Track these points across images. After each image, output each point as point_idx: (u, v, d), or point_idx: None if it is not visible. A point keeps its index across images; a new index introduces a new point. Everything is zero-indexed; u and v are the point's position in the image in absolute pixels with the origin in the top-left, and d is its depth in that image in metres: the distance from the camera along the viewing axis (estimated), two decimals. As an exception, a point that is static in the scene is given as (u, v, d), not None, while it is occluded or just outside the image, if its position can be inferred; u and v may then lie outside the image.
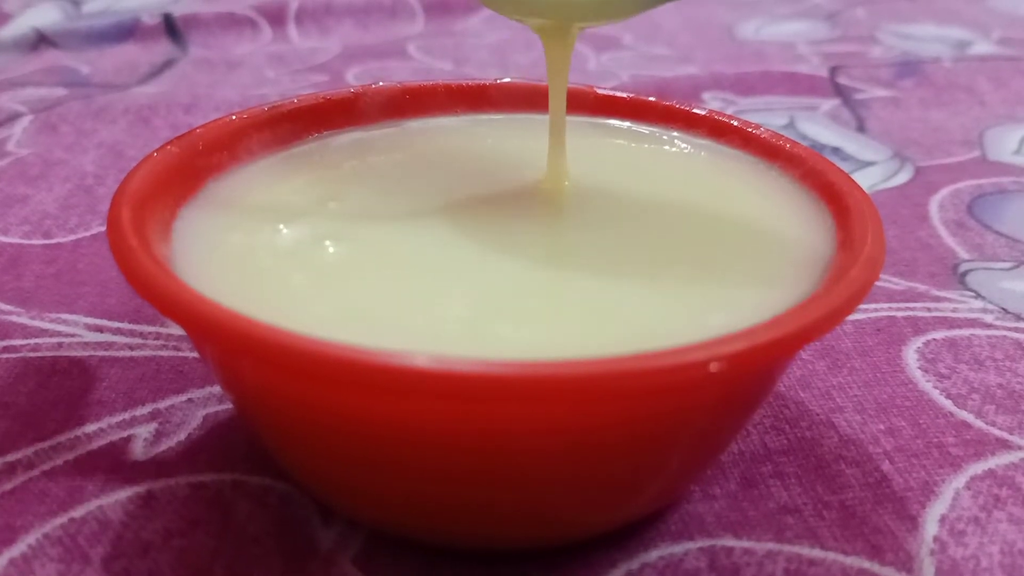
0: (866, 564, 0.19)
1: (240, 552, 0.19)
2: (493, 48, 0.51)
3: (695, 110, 0.24)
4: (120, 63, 0.48)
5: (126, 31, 0.51)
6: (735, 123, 0.24)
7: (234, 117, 0.22)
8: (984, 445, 0.22)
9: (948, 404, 0.23)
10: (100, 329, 0.26)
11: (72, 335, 0.25)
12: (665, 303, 0.18)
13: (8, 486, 0.20)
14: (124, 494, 0.20)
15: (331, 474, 0.18)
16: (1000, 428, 0.23)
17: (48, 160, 0.36)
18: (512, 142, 0.25)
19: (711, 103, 0.43)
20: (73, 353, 0.25)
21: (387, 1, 0.55)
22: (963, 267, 0.30)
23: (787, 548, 0.19)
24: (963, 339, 0.26)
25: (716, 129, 0.24)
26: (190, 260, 0.18)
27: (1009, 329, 0.26)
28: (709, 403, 0.17)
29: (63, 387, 0.23)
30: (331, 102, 0.24)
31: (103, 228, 0.31)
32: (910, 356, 0.25)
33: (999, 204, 0.34)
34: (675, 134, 0.24)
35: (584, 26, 0.21)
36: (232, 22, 0.52)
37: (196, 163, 0.21)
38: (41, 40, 0.50)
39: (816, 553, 0.19)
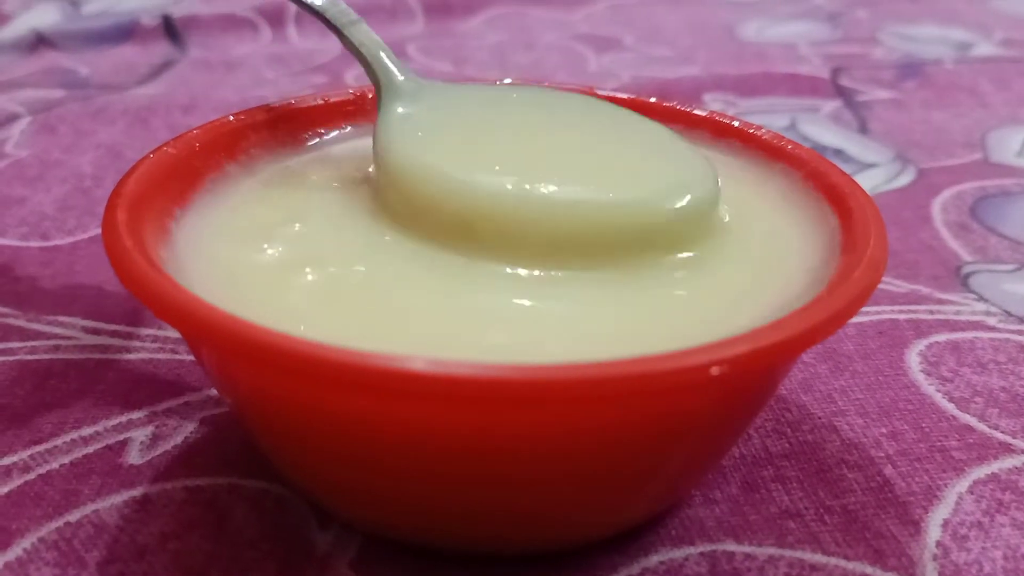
0: (868, 569, 0.19)
1: (236, 556, 0.19)
2: (493, 49, 0.51)
3: (696, 111, 0.24)
4: (119, 64, 0.48)
5: (125, 32, 0.51)
6: (736, 124, 0.24)
7: (231, 118, 0.22)
8: (987, 449, 0.22)
9: (951, 407, 0.23)
10: (97, 332, 0.26)
11: (69, 338, 0.25)
12: (666, 305, 0.18)
13: (4, 489, 0.20)
14: (120, 498, 0.20)
15: (327, 478, 0.18)
16: (1003, 432, 0.22)
17: (46, 161, 0.36)
18: None
19: (712, 104, 0.43)
20: (70, 356, 0.25)
21: (387, 2, 0.55)
22: (966, 269, 0.29)
23: (789, 553, 0.19)
24: (966, 342, 0.26)
25: (718, 130, 0.24)
26: (186, 262, 0.18)
27: (1012, 332, 0.26)
28: (710, 406, 0.17)
29: (60, 390, 0.23)
30: (328, 104, 0.24)
31: (101, 230, 0.31)
32: (913, 359, 0.25)
33: (1002, 206, 0.34)
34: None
35: None
36: (231, 23, 0.52)
37: (193, 164, 0.21)
38: (40, 41, 0.49)
39: (818, 558, 0.19)
